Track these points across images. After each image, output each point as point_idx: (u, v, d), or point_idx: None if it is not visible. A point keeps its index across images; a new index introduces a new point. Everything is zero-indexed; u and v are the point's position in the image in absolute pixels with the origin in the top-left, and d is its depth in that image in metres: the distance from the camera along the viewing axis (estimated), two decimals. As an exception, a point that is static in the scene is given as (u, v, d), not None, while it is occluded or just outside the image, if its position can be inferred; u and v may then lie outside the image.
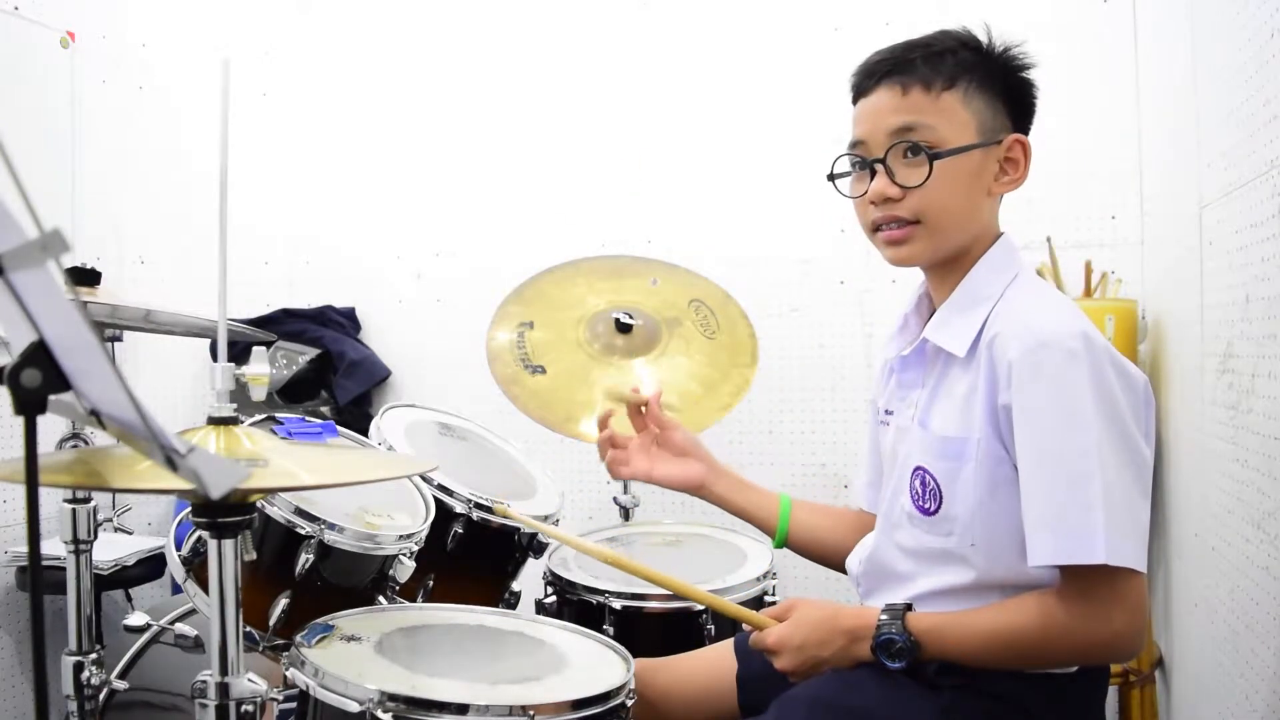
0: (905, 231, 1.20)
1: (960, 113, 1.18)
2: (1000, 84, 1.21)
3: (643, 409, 1.53)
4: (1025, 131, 1.24)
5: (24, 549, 2.28)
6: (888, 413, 1.33)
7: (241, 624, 1.10)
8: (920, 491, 1.21)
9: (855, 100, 1.26)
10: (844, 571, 1.46)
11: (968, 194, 1.20)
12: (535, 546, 1.84)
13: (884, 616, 1.16)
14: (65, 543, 1.52)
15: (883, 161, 1.19)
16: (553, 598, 1.74)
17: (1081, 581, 1.08)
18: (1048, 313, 1.14)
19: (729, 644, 1.45)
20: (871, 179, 1.21)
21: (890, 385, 1.33)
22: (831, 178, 1.27)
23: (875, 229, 1.23)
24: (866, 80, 1.23)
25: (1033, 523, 1.09)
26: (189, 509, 1.13)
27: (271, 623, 1.42)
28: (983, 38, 1.22)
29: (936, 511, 1.19)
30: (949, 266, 1.24)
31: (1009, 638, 1.12)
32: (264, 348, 1.28)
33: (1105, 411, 1.07)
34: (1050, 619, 1.09)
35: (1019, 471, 1.11)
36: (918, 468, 1.21)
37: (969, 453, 1.15)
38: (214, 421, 1.10)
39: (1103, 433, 1.06)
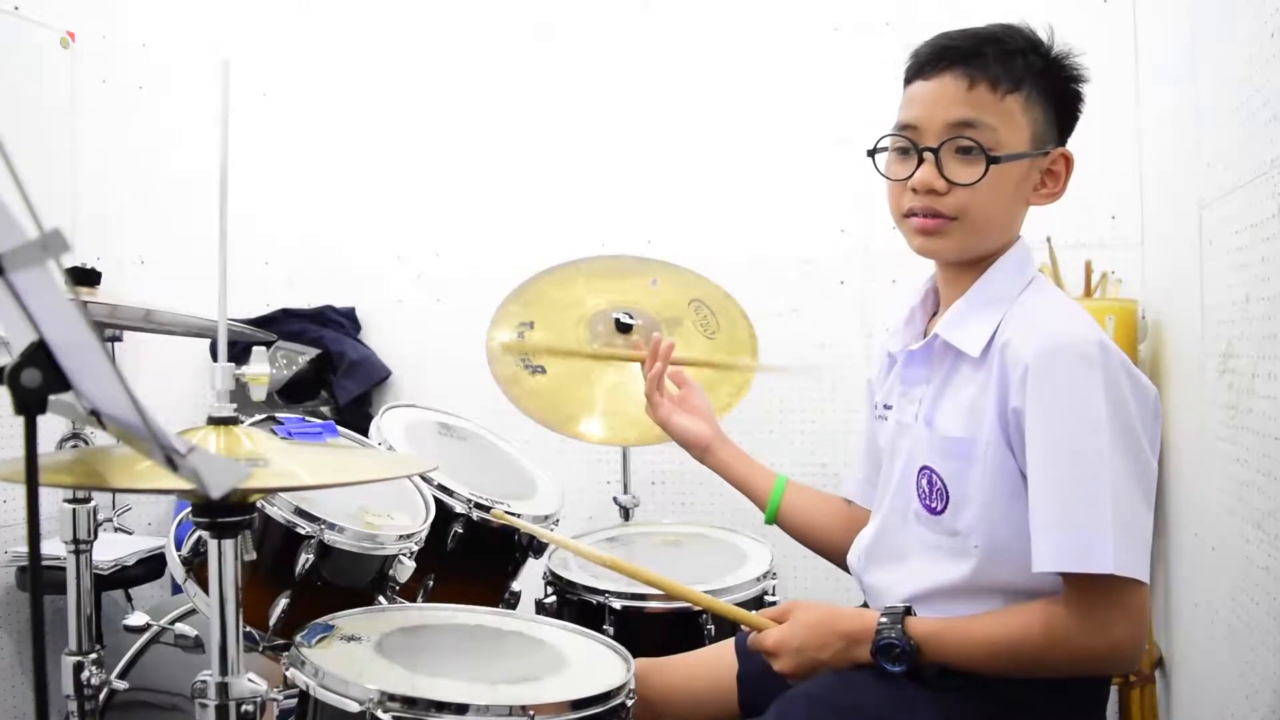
0: (940, 223, 1.17)
1: (1019, 118, 1.16)
2: (1056, 94, 1.19)
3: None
4: (1064, 143, 1.22)
5: (24, 549, 2.28)
6: (886, 407, 1.32)
7: (241, 624, 1.10)
8: (927, 491, 1.20)
9: (911, 79, 1.21)
10: (831, 560, 1.48)
11: (1010, 201, 1.19)
12: (535, 546, 1.84)
13: (884, 620, 1.16)
14: (65, 543, 1.52)
15: (935, 151, 1.16)
16: (553, 598, 1.74)
17: (1085, 590, 1.07)
18: (1064, 319, 1.14)
19: (729, 644, 1.45)
20: (918, 165, 1.18)
21: (891, 379, 1.32)
22: (872, 153, 1.23)
23: (908, 215, 1.20)
24: (929, 64, 1.18)
25: (1040, 527, 1.08)
26: (189, 509, 1.13)
27: (271, 623, 1.42)
28: (1045, 41, 1.20)
29: (943, 511, 1.18)
30: (967, 265, 1.23)
31: (1009, 646, 1.11)
32: (264, 348, 1.29)
33: (1117, 419, 1.06)
34: (1051, 628, 1.09)
35: (1028, 475, 1.10)
36: (924, 467, 1.21)
37: (976, 454, 1.14)
38: (214, 421, 1.10)
39: (1114, 440, 1.06)
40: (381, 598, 1.54)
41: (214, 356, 1.12)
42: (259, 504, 1.37)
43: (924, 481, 1.21)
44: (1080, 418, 1.06)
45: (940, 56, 1.18)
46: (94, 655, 1.51)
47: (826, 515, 1.50)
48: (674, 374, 1.61)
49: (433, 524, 1.63)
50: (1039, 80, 1.17)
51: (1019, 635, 1.11)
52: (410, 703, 1.10)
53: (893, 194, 1.23)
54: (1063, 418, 1.07)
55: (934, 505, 1.20)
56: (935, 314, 1.30)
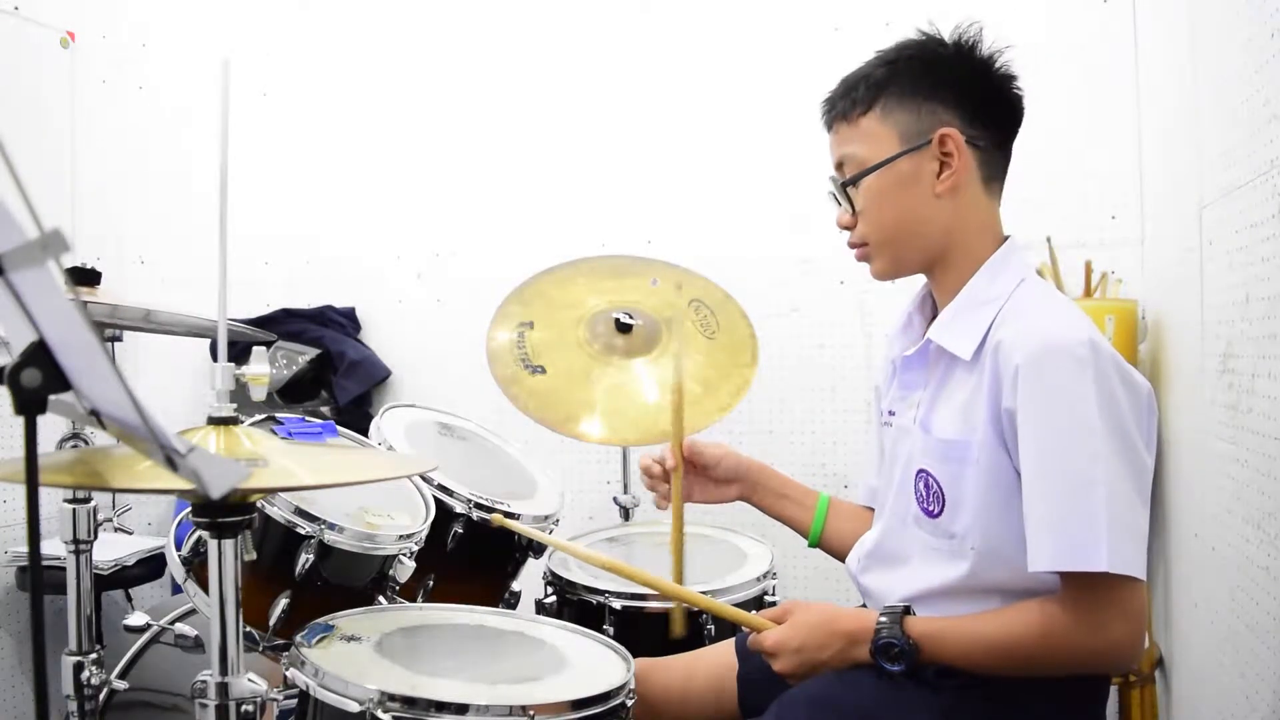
0: (862, 251, 1.29)
1: (879, 130, 1.22)
2: (926, 85, 1.21)
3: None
4: (992, 117, 1.23)
5: (24, 549, 2.28)
6: (890, 414, 1.33)
7: (241, 624, 1.10)
8: (924, 494, 1.21)
9: None
10: None
11: (903, 203, 1.23)
12: (535, 546, 1.84)
13: (883, 619, 1.16)
14: (65, 543, 1.52)
15: (833, 195, 1.28)
16: (553, 598, 1.74)
17: (1082, 589, 1.08)
18: (1055, 318, 1.14)
19: (729, 644, 1.45)
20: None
21: (893, 386, 1.33)
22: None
23: None
24: (826, 128, 1.31)
25: (1034, 527, 1.08)
26: (189, 509, 1.13)
27: (271, 623, 1.43)
28: (939, 35, 1.24)
29: (940, 514, 1.19)
30: (942, 269, 1.25)
31: (1008, 645, 1.12)
32: (264, 348, 1.28)
33: (1110, 418, 1.07)
34: (1049, 627, 1.09)
35: (1021, 476, 1.10)
36: (921, 470, 1.21)
37: (970, 456, 1.15)
38: (214, 421, 1.10)
39: (1107, 439, 1.06)
40: (381, 598, 1.54)
41: (214, 356, 1.12)
42: (259, 504, 1.38)
43: (921, 485, 1.21)
44: (1072, 418, 1.07)
45: (824, 119, 1.30)
46: (94, 655, 1.52)
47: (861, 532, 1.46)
48: (692, 457, 1.52)
49: (433, 524, 1.63)
50: (890, 87, 1.22)
51: (1017, 634, 1.11)
52: (410, 703, 1.10)
53: None
54: (1055, 418, 1.08)
55: (931, 508, 1.20)
56: (934, 318, 1.31)
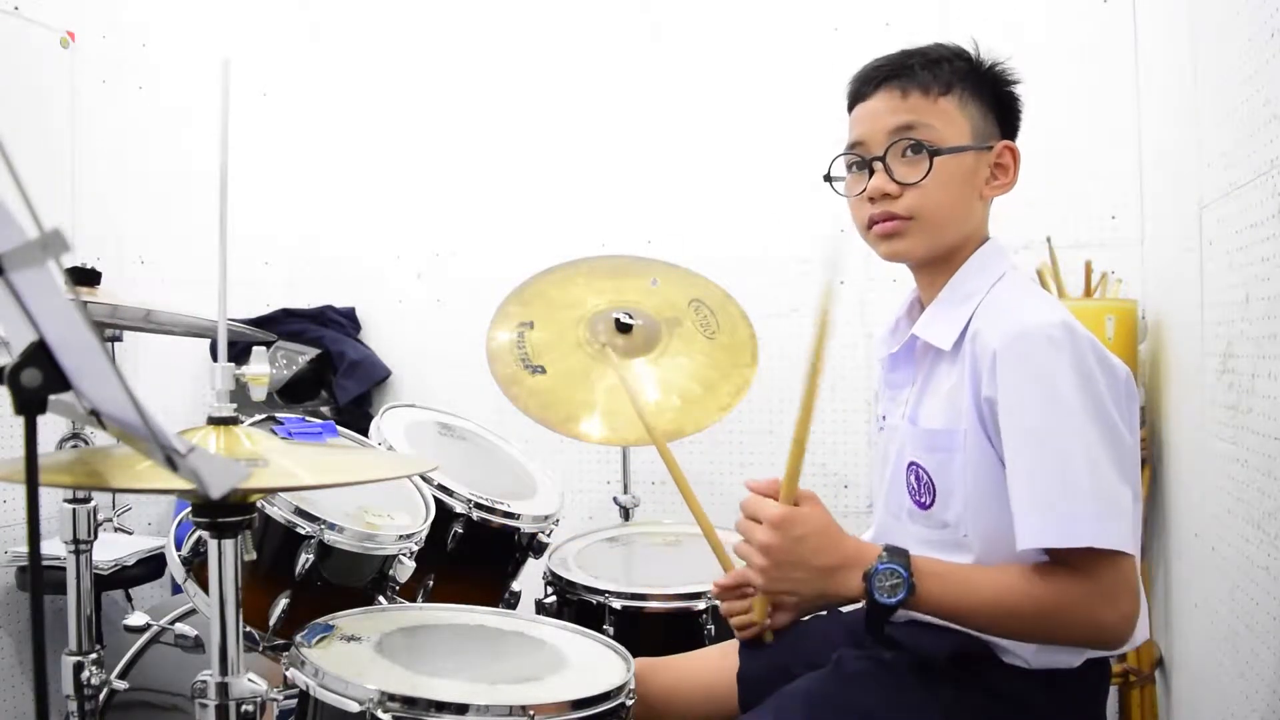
0: (899, 224, 1.22)
1: (956, 116, 1.22)
2: (990, 93, 1.25)
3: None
4: (1012, 140, 1.28)
5: (24, 549, 2.28)
6: (883, 417, 1.34)
7: (241, 624, 1.10)
8: (915, 486, 1.22)
9: (852, 106, 1.29)
10: None
11: (961, 194, 1.22)
12: (535, 546, 1.84)
13: (887, 551, 1.11)
14: (65, 543, 1.52)
15: (882, 159, 1.22)
16: (553, 598, 1.74)
17: (1080, 564, 1.07)
18: (1029, 306, 1.16)
19: (730, 644, 1.45)
20: (870, 177, 1.23)
21: (884, 389, 1.34)
22: (829, 179, 1.29)
23: (870, 225, 1.25)
24: (865, 86, 1.26)
25: (1018, 507, 1.09)
26: (189, 509, 1.13)
27: (271, 623, 1.43)
28: (971, 51, 1.26)
29: (932, 505, 1.20)
30: (938, 266, 1.25)
31: (1012, 604, 1.09)
32: (264, 348, 1.28)
33: (1087, 396, 1.07)
34: (1034, 591, 1.08)
35: (1005, 459, 1.11)
36: (911, 463, 1.22)
37: (956, 444, 1.16)
38: (214, 421, 1.10)
39: (1085, 417, 1.07)
40: (381, 598, 1.54)
41: (214, 356, 1.12)
42: (259, 504, 1.38)
43: (912, 477, 1.22)
44: (1049, 398, 1.07)
45: (873, 77, 1.25)
46: (94, 655, 1.52)
47: None
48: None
49: (433, 524, 1.63)
50: (968, 81, 1.23)
51: (1022, 594, 1.09)
52: (410, 703, 1.10)
53: (854, 210, 1.28)
54: (1032, 400, 1.09)
55: (923, 500, 1.21)
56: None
